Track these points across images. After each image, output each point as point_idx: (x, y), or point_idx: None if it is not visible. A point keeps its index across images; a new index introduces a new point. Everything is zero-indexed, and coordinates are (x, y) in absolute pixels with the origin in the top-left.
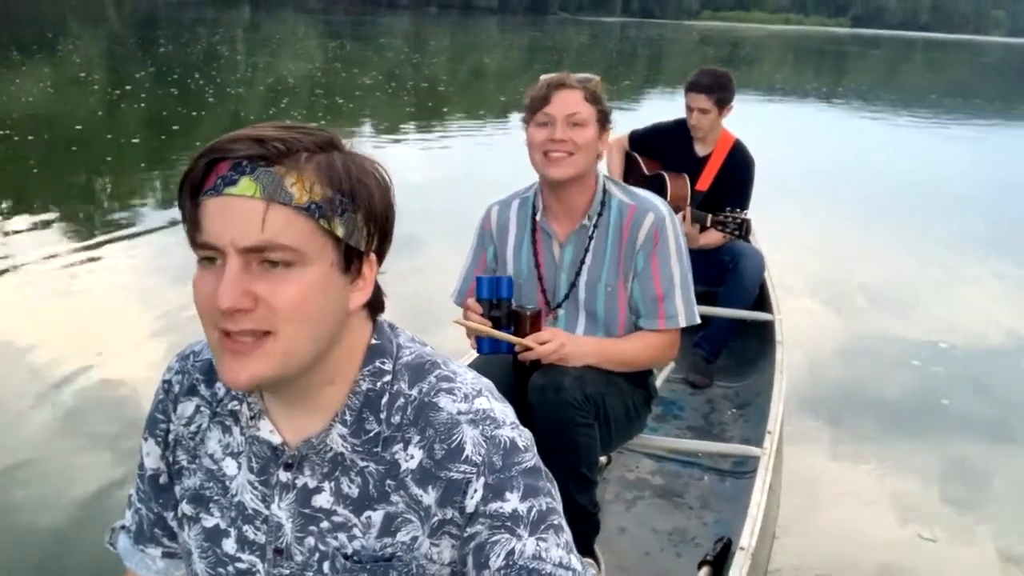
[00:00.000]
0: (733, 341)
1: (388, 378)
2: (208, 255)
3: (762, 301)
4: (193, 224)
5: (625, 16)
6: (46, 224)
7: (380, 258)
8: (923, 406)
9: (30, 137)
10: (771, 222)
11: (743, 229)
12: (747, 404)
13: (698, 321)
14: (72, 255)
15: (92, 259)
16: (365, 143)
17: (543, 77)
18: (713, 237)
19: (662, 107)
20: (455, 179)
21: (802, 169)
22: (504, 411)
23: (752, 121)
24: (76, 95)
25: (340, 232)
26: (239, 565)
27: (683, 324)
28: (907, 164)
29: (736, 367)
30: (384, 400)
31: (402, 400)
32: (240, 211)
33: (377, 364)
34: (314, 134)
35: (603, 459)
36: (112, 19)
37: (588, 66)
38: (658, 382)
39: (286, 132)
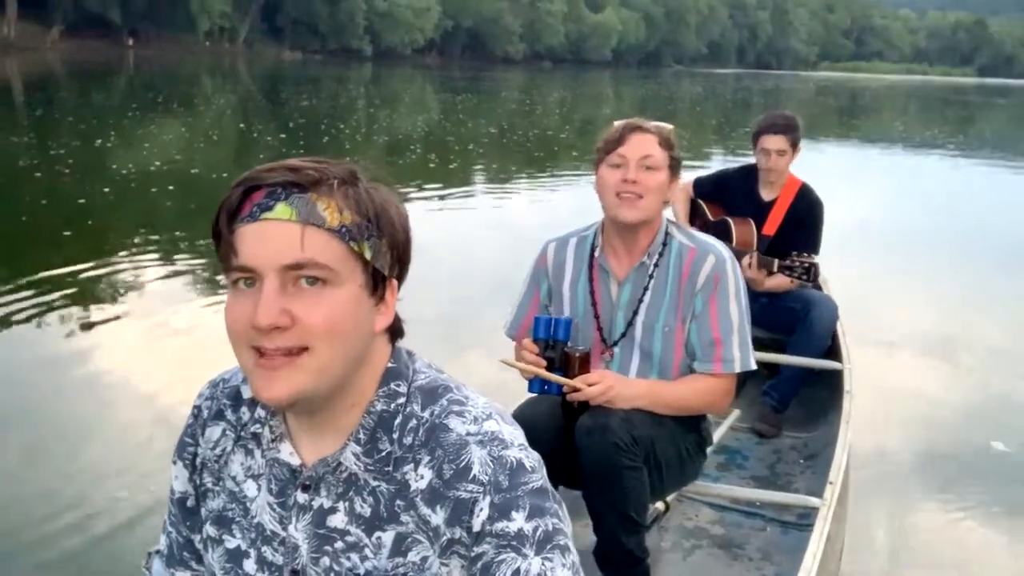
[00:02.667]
0: (803, 391)
1: (402, 400)
2: (244, 277)
3: (833, 350)
4: (229, 249)
5: (740, 68)
6: (188, 269)
7: (399, 285)
8: (1005, 469)
9: (214, 176)
10: (857, 270)
11: (811, 274)
12: (816, 455)
13: (754, 367)
14: (200, 297)
15: (220, 302)
16: (484, 188)
17: (617, 121)
18: (780, 281)
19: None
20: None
21: (903, 219)
22: (513, 433)
23: (863, 170)
24: (238, 145)
25: (368, 255)
26: None
27: (738, 370)
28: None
29: (806, 417)
30: (397, 421)
31: (414, 422)
32: (277, 233)
33: (392, 386)
34: (340, 165)
35: (660, 506)
36: (245, 78)
37: (704, 115)
38: (722, 429)
39: (316, 163)
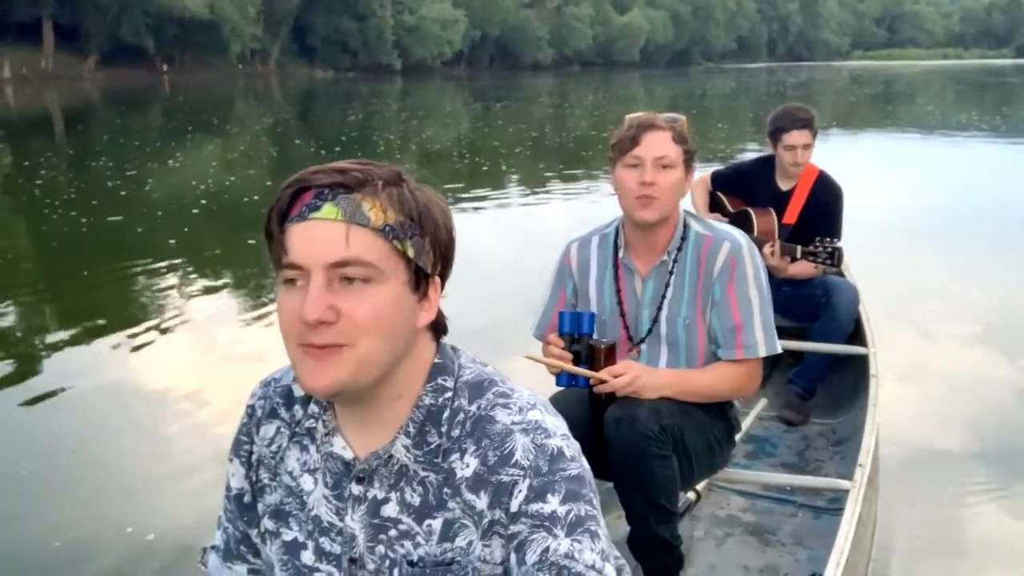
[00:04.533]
0: (829, 377)
1: (449, 394)
2: (293, 276)
3: (857, 335)
4: (280, 248)
5: (771, 61)
6: (219, 287)
7: (443, 282)
8: None
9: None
10: (883, 255)
11: (835, 258)
12: (844, 441)
13: (779, 350)
14: (243, 315)
15: (261, 318)
16: (539, 188)
17: (629, 117)
18: (805, 268)
19: (821, 145)
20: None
21: (932, 204)
22: (556, 424)
23: (895, 156)
24: (302, 158)
25: (411, 253)
26: (317, 575)
27: (763, 354)
28: None
29: (833, 403)
30: (445, 415)
31: (462, 415)
32: (324, 232)
33: (439, 381)
34: (385, 167)
35: (692, 495)
36: (285, 97)
37: (740, 110)
38: (750, 419)
39: (362, 165)
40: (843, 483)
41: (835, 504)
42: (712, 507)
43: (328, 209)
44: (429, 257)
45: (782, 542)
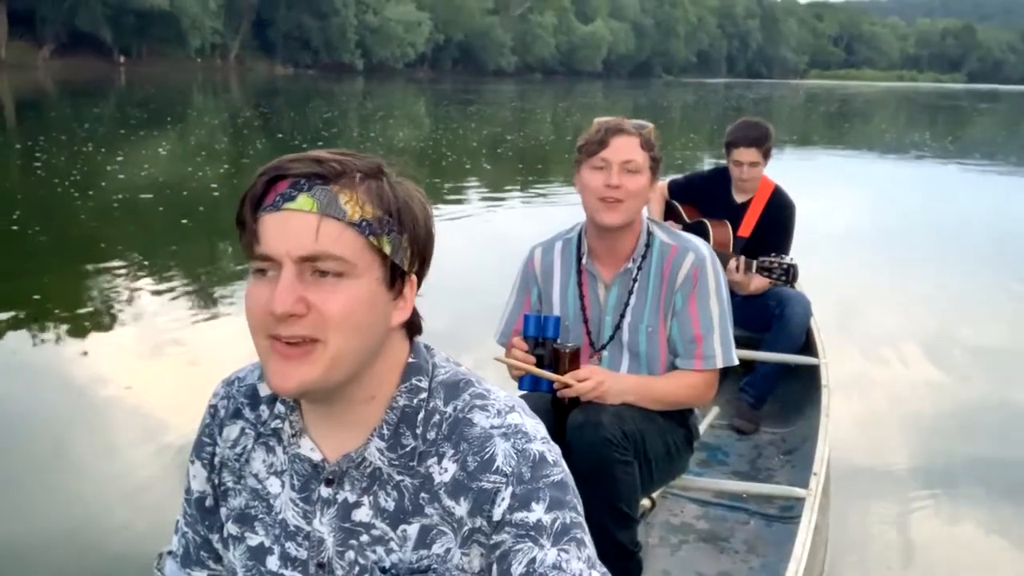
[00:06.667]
0: (779, 387)
1: (424, 395)
2: (263, 267)
3: (808, 345)
4: (252, 237)
5: (731, 77)
6: (170, 283)
7: (419, 281)
8: (979, 457)
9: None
10: (833, 269)
11: (790, 275)
12: (794, 450)
13: (735, 363)
14: (195, 312)
15: (214, 316)
16: (476, 197)
17: (598, 120)
18: (759, 283)
19: (779, 161)
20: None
21: (885, 221)
22: (535, 427)
23: (849, 173)
24: (286, 151)
25: (387, 250)
26: None
27: (720, 366)
28: (1002, 216)
29: (783, 413)
30: (420, 416)
31: (437, 417)
32: (297, 224)
33: (413, 381)
34: (366, 159)
35: (647, 502)
36: (251, 92)
37: (696, 124)
38: (702, 427)
39: (341, 155)
40: (798, 491)
41: (787, 512)
42: (666, 514)
43: (303, 200)
44: (406, 254)
45: (735, 549)
